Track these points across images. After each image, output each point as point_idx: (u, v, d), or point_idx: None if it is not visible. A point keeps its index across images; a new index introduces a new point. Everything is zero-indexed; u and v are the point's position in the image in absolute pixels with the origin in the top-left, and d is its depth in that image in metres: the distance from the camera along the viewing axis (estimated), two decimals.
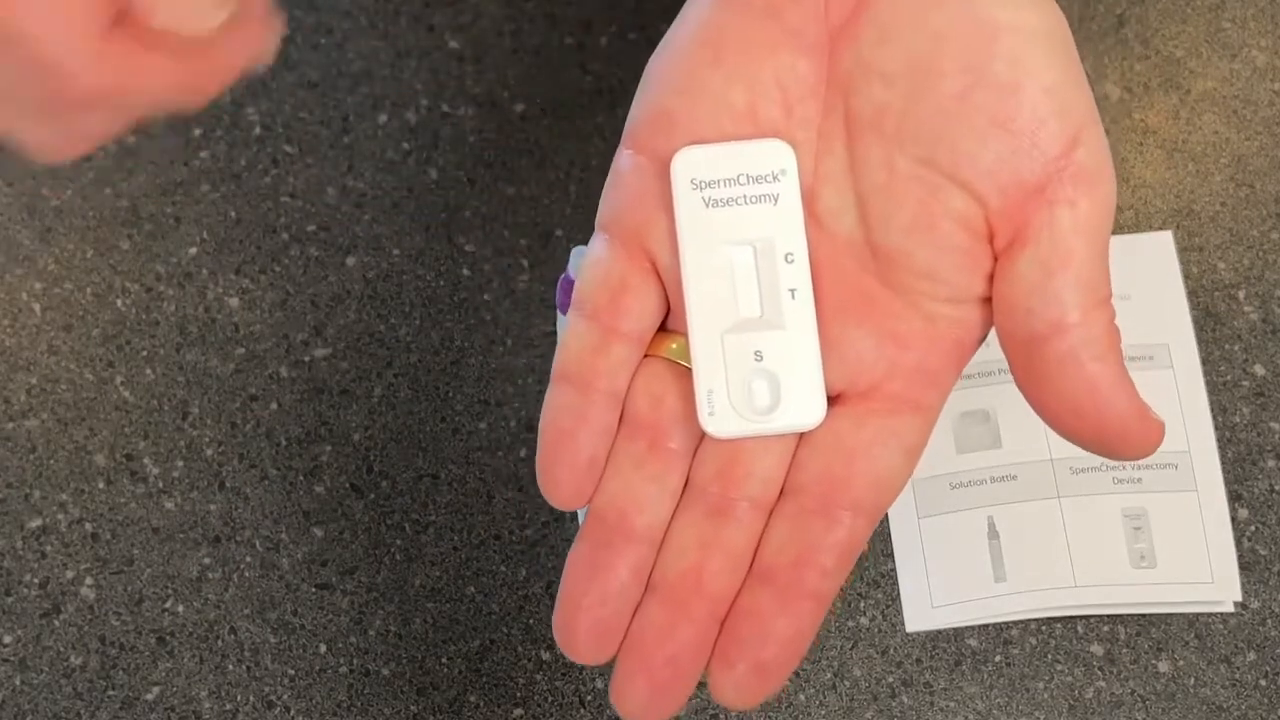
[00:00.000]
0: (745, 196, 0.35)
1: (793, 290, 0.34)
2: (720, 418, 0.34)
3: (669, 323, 0.35)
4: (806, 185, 0.35)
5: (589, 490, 0.34)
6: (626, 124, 0.36)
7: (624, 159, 0.35)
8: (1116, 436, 0.32)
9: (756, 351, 0.34)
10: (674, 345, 0.35)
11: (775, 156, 0.34)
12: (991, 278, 0.33)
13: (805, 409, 0.34)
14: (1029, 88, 0.32)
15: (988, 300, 0.34)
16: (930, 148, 0.32)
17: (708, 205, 0.35)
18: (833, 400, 0.35)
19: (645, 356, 0.35)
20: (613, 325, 0.35)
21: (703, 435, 0.35)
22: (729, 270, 0.35)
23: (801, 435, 0.35)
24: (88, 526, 0.52)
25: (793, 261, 0.34)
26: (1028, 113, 0.32)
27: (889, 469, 0.34)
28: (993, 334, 0.34)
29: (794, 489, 0.34)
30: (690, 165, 0.34)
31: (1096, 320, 0.32)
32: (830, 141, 0.34)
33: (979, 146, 0.32)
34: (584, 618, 0.33)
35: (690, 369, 0.35)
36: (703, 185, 0.35)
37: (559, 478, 0.34)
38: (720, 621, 0.34)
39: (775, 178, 0.34)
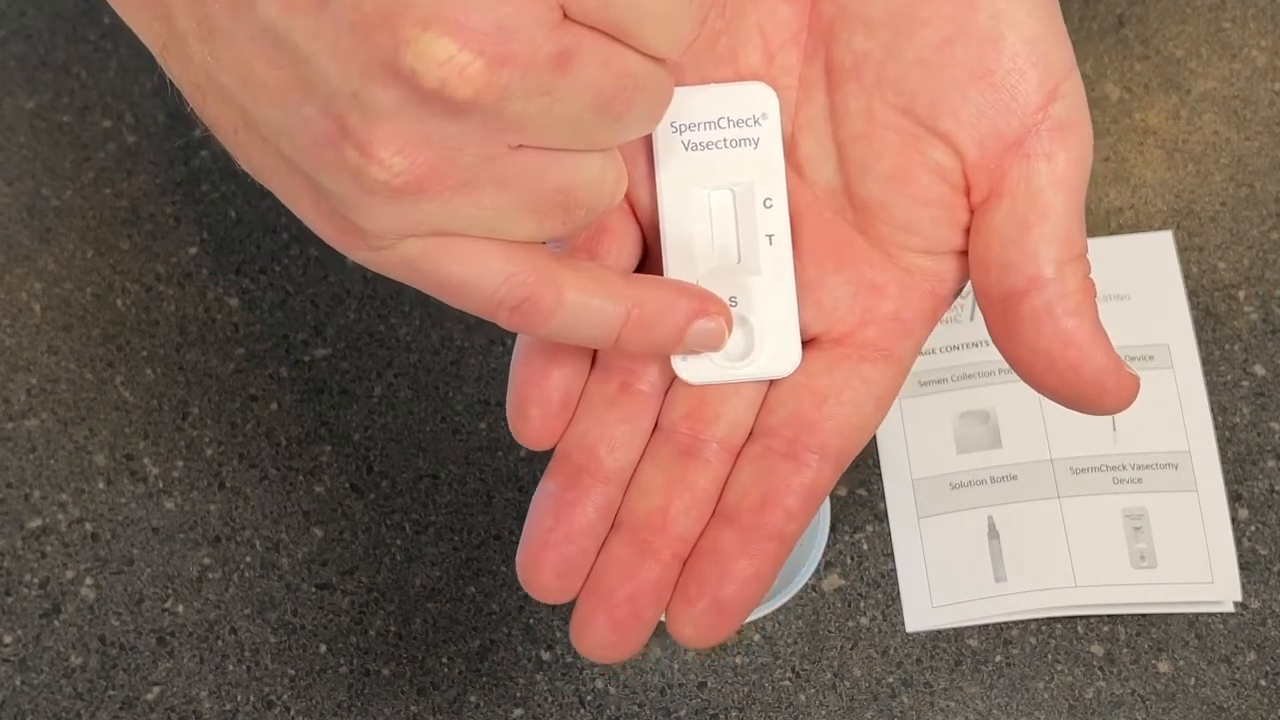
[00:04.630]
0: (725, 140, 0.34)
1: (770, 236, 0.34)
2: (693, 364, 0.34)
3: (646, 266, 0.35)
4: (786, 133, 0.34)
5: (559, 430, 0.34)
6: None
7: None
8: (1092, 391, 0.32)
9: (732, 297, 0.34)
10: None
11: (757, 99, 0.34)
12: (968, 231, 0.33)
13: (779, 357, 0.34)
14: (1010, 39, 0.31)
15: (964, 253, 0.34)
16: (910, 98, 0.32)
17: (687, 148, 0.34)
18: (807, 344, 0.34)
19: None
20: None
21: (674, 377, 0.35)
22: (707, 214, 0.34)
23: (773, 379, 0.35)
24: (88, 526, 0.52)
25: (771, 207, 0.34)
26: (1007, 64, 0.31)
27: (858, 415, 0.34)
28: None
29: (763, 431, 0.34)
30: (670, 107, 0.34)
31: (1071, 275, 0.32)
32: (810, 89, 0.34)
33: (958, 98, 0.32)
34: (549, 555, 0.33)
35: None
36: (683, 128, 0.34)
37: (530, 415, 0.34)
38: (683, 562, 0.34)
39: (756, 121, 0.34)
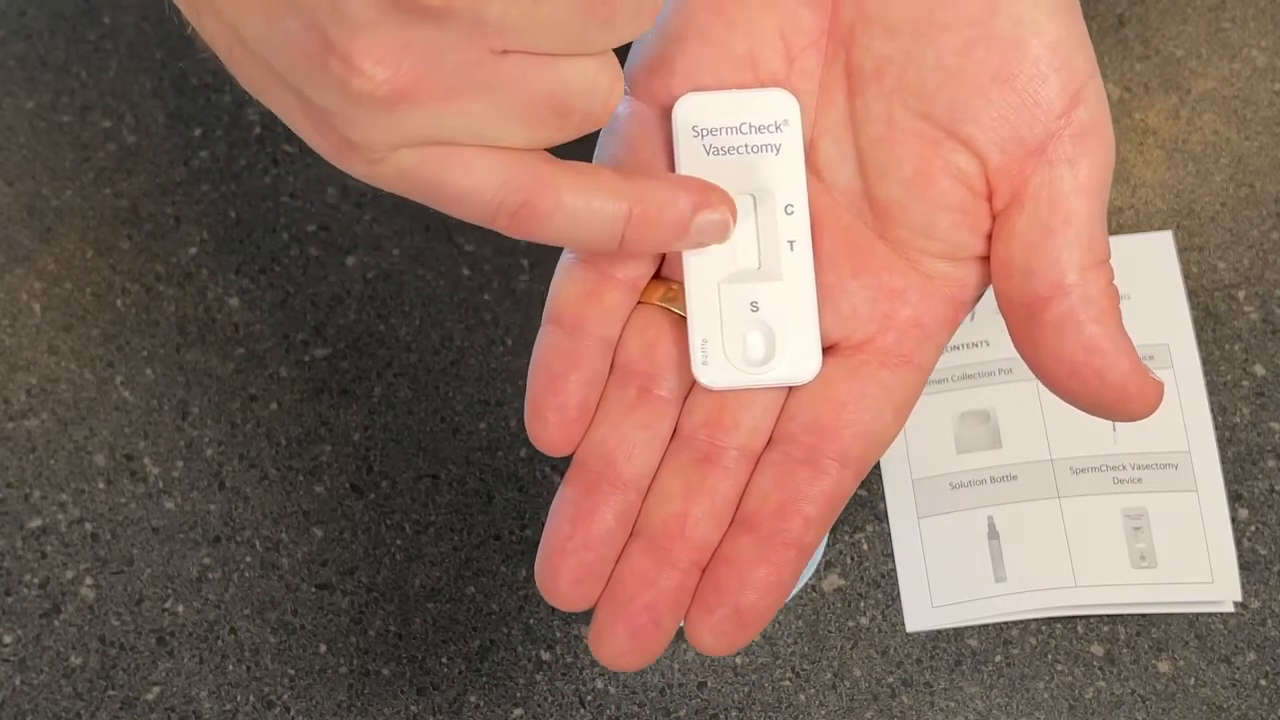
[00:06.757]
0: (747, 145, 0.34)
1: (791, 242, 0.34)
2: (714, 368, 0.34)
3: (664, 270, 0.35)
4: (806, 137, 0.34)
5: (577, 435, 0.34)
6: (625, 69, 0.35)
7: (621, 104, 0.35)
8: (1116, 398, 0.32)
9: (753, 302, 0.34)
10: (668, 292, 0.35)
11: (779, 106, 0.34)
12: (989, 237, 0.33)
13: (800, 363, 0.34)
14: (1032, 44, 0.31)
15: (985, 259, 0.33)
16: (930, 102, 0.32)
17: (709, 153, 0.34)
18: (826, 350, 0.34)
19: (639, 303, 0.35)
20: (607, 270, 0.34)
21: (693, 383, 0.34)
22: None
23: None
24: (88, 526, 0.52)
25: (792, 213, 0.34)
26: (1030, 69, 0.31)
27: (878, 422, 0.34)
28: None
29: (782, 438, 0.34)
30: (692, 112, 0.34)
31: (1095, 281, 0.32)
32: (831, 93, 0.34)
33: (980, 103, 0.32)
34: (568, 562, 0.33)
35: (684, 317, 0.34)
36: (704, 132, 0.34)
37: (548, 420, 0.34)
38: (702, 569, 0.34)
39: (778, 127, 0.34)
